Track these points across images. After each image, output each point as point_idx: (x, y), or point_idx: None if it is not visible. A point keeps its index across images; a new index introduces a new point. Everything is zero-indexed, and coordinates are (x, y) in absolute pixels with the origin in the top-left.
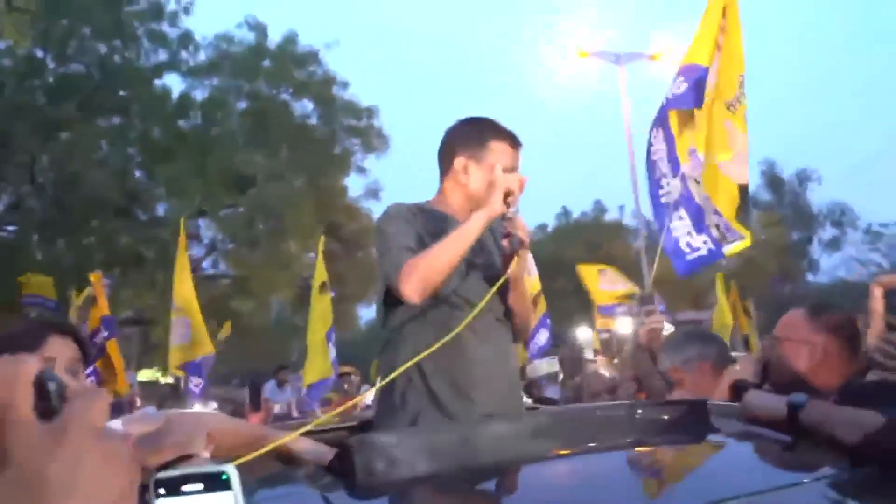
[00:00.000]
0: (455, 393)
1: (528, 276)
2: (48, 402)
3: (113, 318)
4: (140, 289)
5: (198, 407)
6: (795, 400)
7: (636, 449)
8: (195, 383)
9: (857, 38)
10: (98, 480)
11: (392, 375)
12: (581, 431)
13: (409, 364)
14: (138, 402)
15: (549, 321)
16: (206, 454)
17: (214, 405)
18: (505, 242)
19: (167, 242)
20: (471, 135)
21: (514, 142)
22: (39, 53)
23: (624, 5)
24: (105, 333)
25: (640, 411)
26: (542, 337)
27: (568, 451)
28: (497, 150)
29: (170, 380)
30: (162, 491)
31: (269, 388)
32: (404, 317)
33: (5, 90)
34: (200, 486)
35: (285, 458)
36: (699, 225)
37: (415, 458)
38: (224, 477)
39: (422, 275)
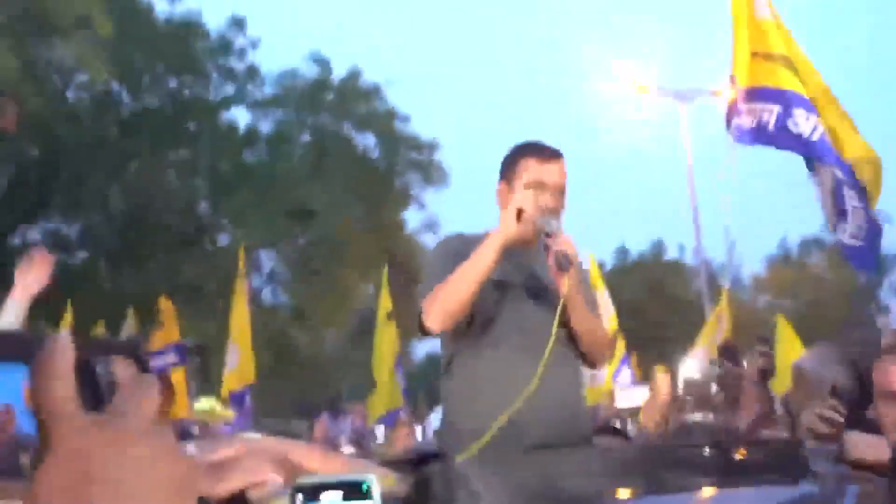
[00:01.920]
0: (508, 423)
1: (602, 311)
2: (96, 389)
3: (184, 345)
4: (201, 318)
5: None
6: None
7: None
8: (238, 413)
9: None
10: (144, 476)
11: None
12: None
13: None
14: (196, 429)
15: (629, 359)
16: (280, 481)
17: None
18: (550, 261)
19: (229, 272)
20: (506, 158)
21: (542, 155)
22: (115, 87)
23: (685, 41)
24: (176, 359)
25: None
26: (625, 376)
27: (643, 490)
28: (524, 168)
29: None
30: (300, 497)
31: (325, 419)
32: (457, 346)
33: (83, 122)
34: (340, 494)
35: None
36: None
37: (490, 490)
38: (364, 487)
39: (440, 305)
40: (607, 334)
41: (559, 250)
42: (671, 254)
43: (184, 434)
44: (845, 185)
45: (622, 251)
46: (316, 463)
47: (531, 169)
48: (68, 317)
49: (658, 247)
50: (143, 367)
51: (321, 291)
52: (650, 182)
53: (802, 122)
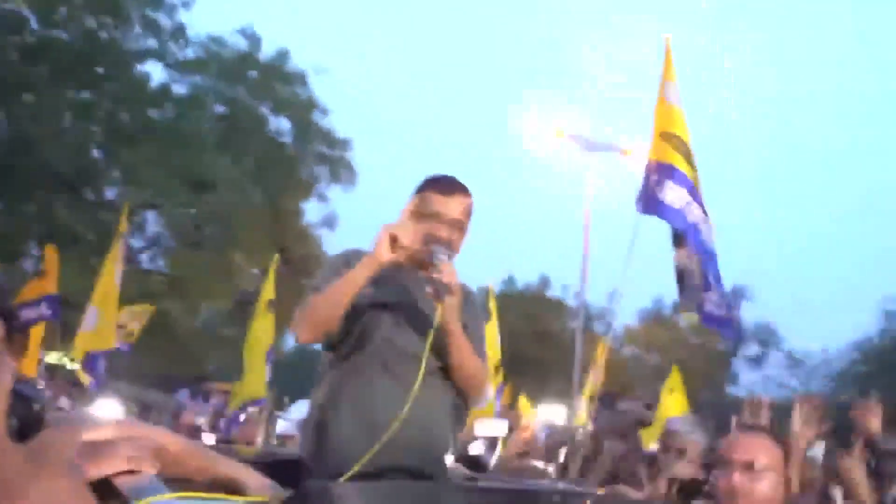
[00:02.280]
0: (366, 443)
1: (484, 349)
2: (27, 417)
3: (59, 297)
4: (71, 271)
5: (99, 402)
6: None
7: None
8: (92, 377)
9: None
10: (70, 497)
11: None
12: None
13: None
14: (42, 384)
15: (503, 388)
16: (153, 472)
17: (116, 402)
18: (429, 289)
19: (110, 227)
20: (418, 186)
21: (444, 189)
22: (25, 11)
23: (608, 96)
24: (47, 312)
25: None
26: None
27: None
28: (426, 199)
29: (77, 367)
30: None
31: (183, 395)
32: (331, 358)
33: None
34: None
35: (232, 489)
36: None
37: None
38: None
39: (307, 317)
40: (482, 375)
41: (438, 279)
42: (555, 291)
43: (30, 389)
44: (710, 263)
45: (510, 280)
46: (193, 462)
47: (432, 200)
48: None
49: (543, 281)
50: (11, 324)
51: (203, 265)
52: (550, 219)
53: (686, 205)
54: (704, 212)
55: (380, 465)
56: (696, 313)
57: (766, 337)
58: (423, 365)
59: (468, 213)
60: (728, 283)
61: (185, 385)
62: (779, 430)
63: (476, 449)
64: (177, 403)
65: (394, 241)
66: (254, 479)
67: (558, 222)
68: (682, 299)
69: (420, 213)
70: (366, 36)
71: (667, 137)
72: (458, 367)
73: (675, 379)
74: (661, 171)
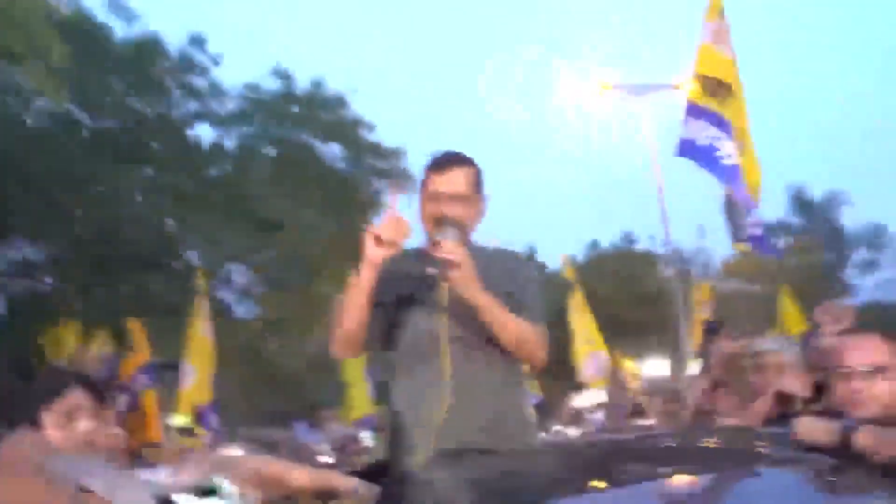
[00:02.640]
0: (424, 434)
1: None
2: None
3: (153, 365)
4: (173, 337)
5: (222, 450)
6: (849, 425)
7: (683, 475)
8: (207, 430)
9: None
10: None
11: None
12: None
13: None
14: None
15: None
16: (254, 497)
17: (239, 447)
18: (430, 269)
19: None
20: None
21: (437, 167)
22: (74, 110)
23: (643, 37)
24: (147, 381)
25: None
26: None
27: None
28: (425, 182)
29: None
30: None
31: (300, 429)
32: (386, 364)
33: (44, 147)
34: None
35: (328, 495)
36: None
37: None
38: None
39: (335, 333)
40: (534, 339)
41: (438, 257)
42: (642, 245)
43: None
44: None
45: (593, 245)
46: (290, 478)
47: (430, 181)
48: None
49: (628, 239)
50: (100, 394)
51: (293, 302)
52: (619, 177)
53: (725, 150)
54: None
55: (457, 450)
56: (748, 243)
57: (875, 238)
58: (443, 345)
59: (471, 183)
60: (824, 187)
61: (300, 418)
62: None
63: (581, 410)
64: (294, 439)
65: (379, 239)
66: (344, 482)
67: (629, 177)
68: (734, 232)
69: (423, 196)
70: (392, 44)
71: (703, 80)
72: (501, 336)
73: (785, 301)
74: (696, 113)
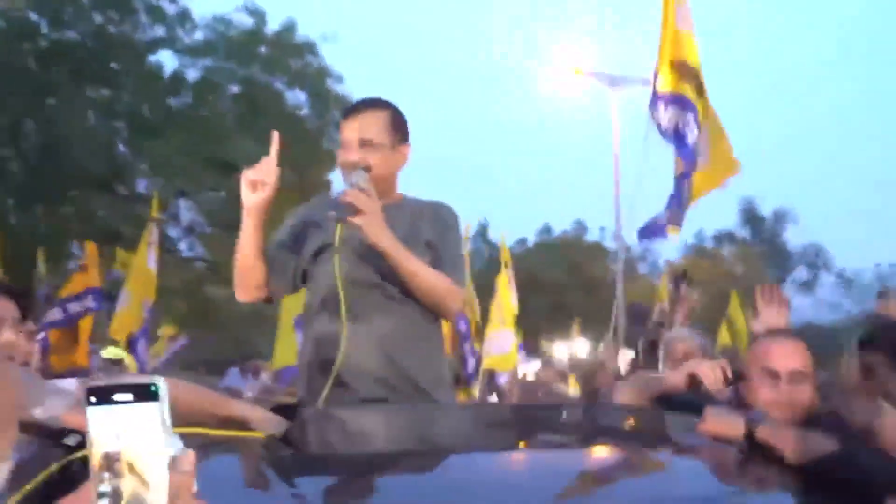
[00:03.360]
0: (328, 380)
1: (509, 294)
2: None
3: (101, 290)
4: (111, 264)
5: None
6: (754, 417)
7: (591, 450)
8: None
9: (846, 82)
10: None
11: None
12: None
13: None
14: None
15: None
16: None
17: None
18: (331, 213)
19: (145, 220)
20: None
21: (345, 114)
22: (33, 17)
23: (624, 27)
24: (92, 304)
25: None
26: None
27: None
28: (339, 128)
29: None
30: (94, 399)
31: (231, 375)
32: (305, 317)
33: None
34: (130, 396)
35: (238, 425)
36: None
37: (367, 434)
38: (153, 388)
39: (236, 277)
40: (446, 290)
41: (340, 201)
42: (592, 235)
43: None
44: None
45: (546, 230)
46: (204, 405)
47: (341, 128)
48: None
49: (580, 227)
50: (24, 306)
51: None
52: (578, 163)
53: (690, 130)
54: (698, 128)
55: (358, 397)
56: (678, 227)
57: (815, 259)
58: (341, 290)
59: (385, 127)
60: (770, 207)
61: (233, 365)
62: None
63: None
64: (222, 383)
65: (253, 185)
66: (259, 414)
67: (588, 165)
68: (670, 216)
69: (340, 143)
70: None
71: (676, 67)
72: (410, 284)
73: (734, 305)
74: (670, 102)
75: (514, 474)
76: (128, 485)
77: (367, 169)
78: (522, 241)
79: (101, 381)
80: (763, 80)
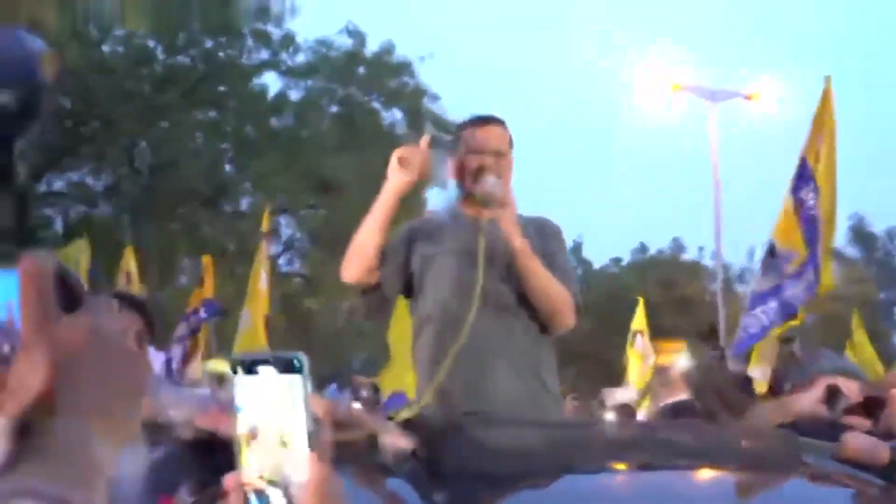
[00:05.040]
0: (473, 399)
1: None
2: (70, 293)
3: (216, 303)
4: (220, 280)
5: None
6: None
7: (715, 473)
8: None
9: None
10: (120, 366)
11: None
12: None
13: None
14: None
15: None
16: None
17: None
18: (478, 196)
19: (247, 236)
20: (454, 134)
21: (478, 123)
22: (150, 43)
23: (718, 42)
24: (204, 315)
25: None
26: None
27: (647, 464)
28: (465, 137)
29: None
30: (239, 370)
31: (331, 390)
32: (414, 326)
33: (116, 75)
34: (274, 369)
35: (370, 443)
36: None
37: (500, 450)
38: (297, 362)
39: (349, 256)
40: (566, 302)
41: (486, 193)
42: (690, 254)
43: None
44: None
45: (641, 248)
46: (341, 410)
47: (471, 136)
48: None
49: (677, 246)
50: (150, 322)
51: (337, 262)
52: (676, 182)
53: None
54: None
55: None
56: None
57: None
58: (474, 299)
59: (508, 142)
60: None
61: (332, 381)
62: None
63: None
64: (324, 395)
65: (402, 162)
66: (389, 429)
67: (687, 182)
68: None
69: (464, 151)
70: (468, 14)
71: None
72: (534, 291)
73: (857, 325)
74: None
75: (642, 496)
76: (270, 455)
77: (498, 177)
78: (617, 260)
79: (246, 354)
80: (875, 86)
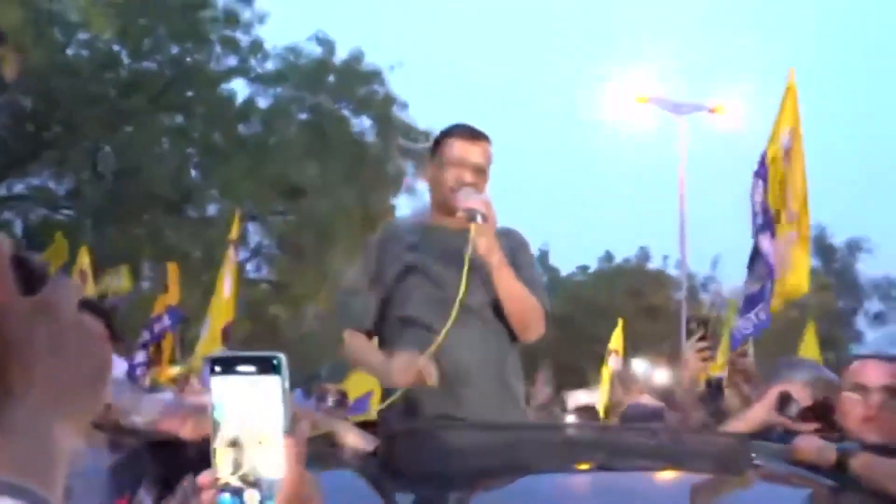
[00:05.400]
0: (442, 403)
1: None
2: (30, 277)
3: (179, 311)
4: (182, 286)
5: None
6: (847, 448)
7: (670, 474)
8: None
9: None
10: (79, 348)
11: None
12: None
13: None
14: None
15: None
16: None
17: None
18: (460, 213)
19: (214, 242)
20: (436, 139)
21: (465, 136)
22: (116, 47)
23: (685, 56)
24: (168, 323)
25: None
26: None
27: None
28: (449, 147)
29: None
30: (217, 369)
31: (297, 397)
32: (383, 325)
33: (81, 78)
34: (253, 368)
35: (331, 442)
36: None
37: (461, 452)
38: (275, 362)
39: (350, 358)
40: (537, 313)
41: (468, 204)
42: (655, 263)
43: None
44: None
45: (607, 257)
46: (305, 413)
47: (455, 147)
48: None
49: (643, 255)
50: (113, 328)
51: (305, 269)
52: (641, 192)
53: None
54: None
55: (427, 413)
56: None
57: (889, 291)
58: (458, 300)
59: (489, 159)
60: (844, 235)
61: (297, 386)
62: None
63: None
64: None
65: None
66: (350, 430)
67: (652, 192)
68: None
69: (445, 161)
70: (438, 24)
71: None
72: (507, 301)
73: (810, 334)
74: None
75: (591, 497)
76: (247, 454)
77: (478, 192)
78: (584, 269)
79: (225, 353)
80: (837, 104)
